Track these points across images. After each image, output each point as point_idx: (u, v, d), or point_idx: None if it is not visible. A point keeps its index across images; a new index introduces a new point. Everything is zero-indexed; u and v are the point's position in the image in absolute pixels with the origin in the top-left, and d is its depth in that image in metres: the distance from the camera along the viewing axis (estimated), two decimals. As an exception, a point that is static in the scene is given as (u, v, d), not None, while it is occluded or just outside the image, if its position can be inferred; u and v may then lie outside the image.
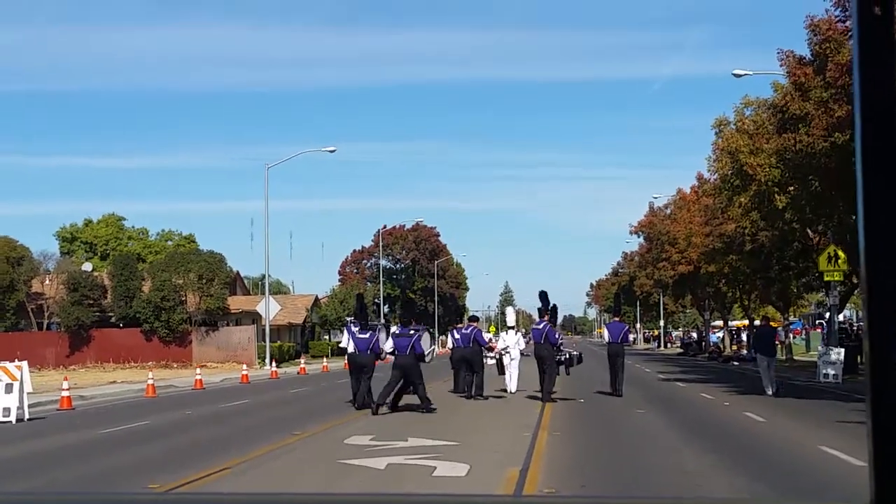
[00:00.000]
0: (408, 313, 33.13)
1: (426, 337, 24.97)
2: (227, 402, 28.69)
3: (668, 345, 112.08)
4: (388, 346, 24.06)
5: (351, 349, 24.72)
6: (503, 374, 29.21)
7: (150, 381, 33.36)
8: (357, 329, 24.83)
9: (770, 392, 27.91)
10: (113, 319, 63.46)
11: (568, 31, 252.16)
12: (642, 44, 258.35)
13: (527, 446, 15.74)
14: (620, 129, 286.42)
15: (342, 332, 74.32)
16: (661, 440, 17.01)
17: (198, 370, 39.71)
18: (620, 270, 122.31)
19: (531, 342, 28.33)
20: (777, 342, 58.08)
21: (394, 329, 25.65)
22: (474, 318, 31.01)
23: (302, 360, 55.67)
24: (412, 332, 23.95)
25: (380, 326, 26.43)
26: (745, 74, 40.21)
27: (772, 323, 66.04)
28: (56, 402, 27.61)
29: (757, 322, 68.02)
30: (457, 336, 28.53)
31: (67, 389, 27.86)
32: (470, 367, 27.41)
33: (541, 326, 26.76)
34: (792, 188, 30.41)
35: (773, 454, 14.96)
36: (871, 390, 1.37)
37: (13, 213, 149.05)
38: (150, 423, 22.06)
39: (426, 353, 24.14)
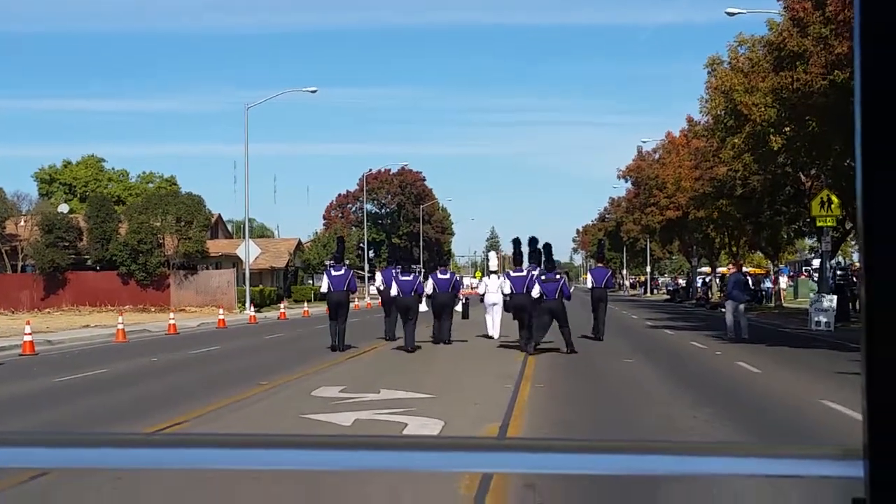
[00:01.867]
0: (394, 257, 32.78)
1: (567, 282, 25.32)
2: (198, 348, 27.55)
3: (655, 291, 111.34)
4: (535, 291, 23.96)
5: (394, 292, 25.80)
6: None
7: (121, 326, 32.16)
8: (399, 271, 26.24)
9: (732, 334, 28.16)
10: (89, 262, 61.99)
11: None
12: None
13: (508, 399, 14.65)
14: (609, 75, 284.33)
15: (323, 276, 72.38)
16: (651, 392, 15.95)
17: (171, 315, 38.48)
18: (607, 216, 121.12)
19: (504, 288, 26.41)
20: (772, 287, 57.52)
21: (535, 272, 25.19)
22: (444, 264, 30.59)
23: (282, 305, 54.51)
24: (558, 276, 24.54)
25: (419, 270, 26.47)
26: (739, 13, 38.82)
27: (752, 270, 65.16)
28: (19, 348, 26.46)
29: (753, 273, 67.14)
30: (439, 279, 27.39)
31: (30, 334, 26.66)
32: (446, 312, 26.70)
33: (524, 274, 24.83)
34: (788, 129, 29.11)
35: (771, 409, 13.92)
36: (865, 337, 1.32)
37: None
38: (111, 370, 20.91)
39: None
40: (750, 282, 37.53)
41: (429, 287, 26.98)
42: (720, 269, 77.13)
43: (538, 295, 23.80)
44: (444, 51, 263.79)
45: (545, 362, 21.39)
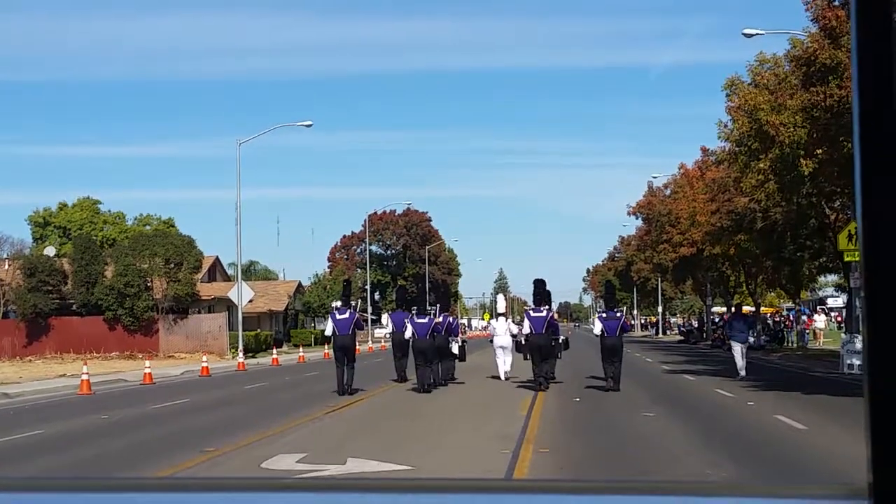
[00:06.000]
0: (401, 299, 32.06)
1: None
2: (164, 401, 24.55)
3: (667, 332, 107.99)
4: (597, 329, 25.31)
5: (408, 335, 25.58)
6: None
7: (85, 377, 29.12)
8: (415, 313, 26.08)
9: (744, 373, 28.40)
10: (74, 307, 58.95)
11: (563, 17, 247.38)
12: (641, 31, 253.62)
13: (503, 473, 11.66)
14: (618, 116, 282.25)
15: (326, 319, 70.64)
16: (679, 458, 12.94)
17: (147, 363, 35.44)
18: (617, 255, 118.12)
19: (523, 329, 26.49)
20: (805, 326, 54.28)
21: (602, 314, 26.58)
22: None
23: (274, 351, 51.55)
24: (618, 313, 25.46)
25: (435, 312, 27.05)
26: (758, 34, 36.03)
27: (767, 310, 62.19)
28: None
29: (768, 308, 64.47)
30: (417, 323, 26.32)
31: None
32: (427, 357, 25.77)
33: (543, 314, 25.38)
34: (820, 151, 26.13)
35: (835, 480, 10.90)
36: (868, 375, 1.34)
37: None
38: (47, 431, 17.94)
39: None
40: (751, 321, 36.52)
41: (408, 332, 25.84)
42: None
43: (600, 332, 24.80)
44: (450, 94, 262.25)
45: (552, 418, 18.41)
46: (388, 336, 66.72)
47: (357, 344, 26.42)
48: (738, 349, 29.13)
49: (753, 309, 64.12)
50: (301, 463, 12.52)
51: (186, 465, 12.70)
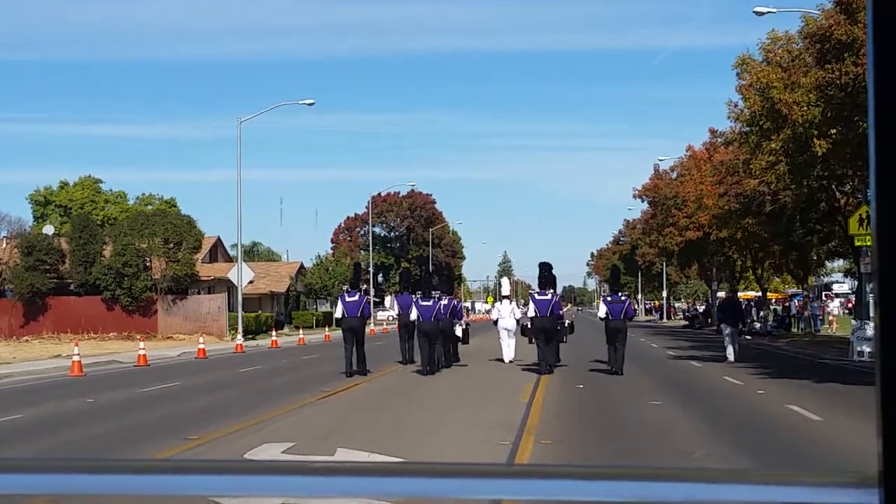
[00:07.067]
0: (406, 282, 33.09)
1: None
2: (156, 384, 23.82)
3: (672, 316, 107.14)
4: (601, 312, 25.63)
5: (413, 317, 26.42)
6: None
7: (77, 358, 28.41)
8: (420, 296, 26.58)
9: (732, 359, 28.98)
10: (72, 286, 58.20)
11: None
12: (647, 14, 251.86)
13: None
14: (624, 99, 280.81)
15: (328, 301, 70.17)
16: (692, 453, 12.18)
17: (141, 344, 34.80)
18: (622, 239, 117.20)
19: (528, 312, 26.61)
20: (819, 313, 53.43)
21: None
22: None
23: (273, 333, 50.84)
24: (623, 297, 25.89)
25: (439, 295, 26.97)
26: (769, 12, 35.16)
27: (773, 296, 61.17)
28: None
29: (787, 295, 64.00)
30: (422, 306, 26.68)
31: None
32: (430, 339, 25.88)
33: (548, 297, 25.55)
34: (834, 131, 25.28)
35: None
36: (879, 362, 1.30)
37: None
38: (26, 415, 17.23)
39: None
40: (742, 307, 37.57)
41: (413, 315, 26.47)
42: (740, 294, 73.07)
43: (604, 315, 25.03)
44: (456, 76, 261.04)
45: (555, 406, 17.66)
46: (391, 318, 66.32)
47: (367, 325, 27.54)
48: (727, 332, 30.12)
49: (759, 294, 63.44)
50: (287, 453, 11.80)
51: (167, 454, 11.97)
